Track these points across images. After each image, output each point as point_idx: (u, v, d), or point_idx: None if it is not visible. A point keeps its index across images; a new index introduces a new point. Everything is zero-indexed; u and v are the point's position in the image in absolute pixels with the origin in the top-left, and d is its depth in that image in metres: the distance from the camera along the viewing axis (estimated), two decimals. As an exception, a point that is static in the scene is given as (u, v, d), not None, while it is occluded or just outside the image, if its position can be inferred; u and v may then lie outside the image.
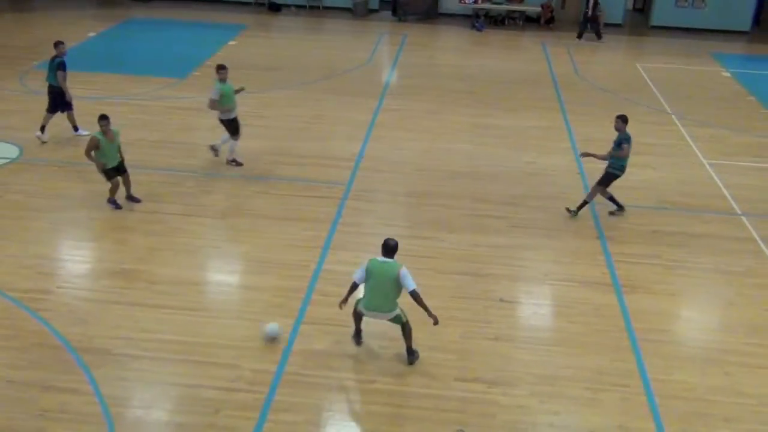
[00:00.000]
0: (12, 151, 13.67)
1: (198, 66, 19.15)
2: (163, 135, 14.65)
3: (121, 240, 10.88)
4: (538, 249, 11.00)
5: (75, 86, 16.55)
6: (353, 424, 7.69)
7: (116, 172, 11.57)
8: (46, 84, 14.15)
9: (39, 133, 14.15)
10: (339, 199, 12.25)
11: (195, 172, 13.06)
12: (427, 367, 8.41)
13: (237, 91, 13.07)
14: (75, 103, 14.44)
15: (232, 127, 13.09)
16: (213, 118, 15.56)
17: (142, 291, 9.64)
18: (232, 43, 21.69)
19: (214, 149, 13.47)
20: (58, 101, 14.13)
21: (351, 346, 8.72)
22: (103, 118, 11.17)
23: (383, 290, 8.09)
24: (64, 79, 13.90)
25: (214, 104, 12.79)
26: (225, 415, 7.64)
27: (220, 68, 12.81)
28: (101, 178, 11.63)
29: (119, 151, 11.60)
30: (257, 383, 8.10)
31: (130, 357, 8.45)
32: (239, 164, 13.33)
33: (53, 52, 13.98)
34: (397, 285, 8.07)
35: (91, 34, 21.80)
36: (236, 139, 13.19)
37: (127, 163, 11.81)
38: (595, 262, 10.67)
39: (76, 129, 14.41)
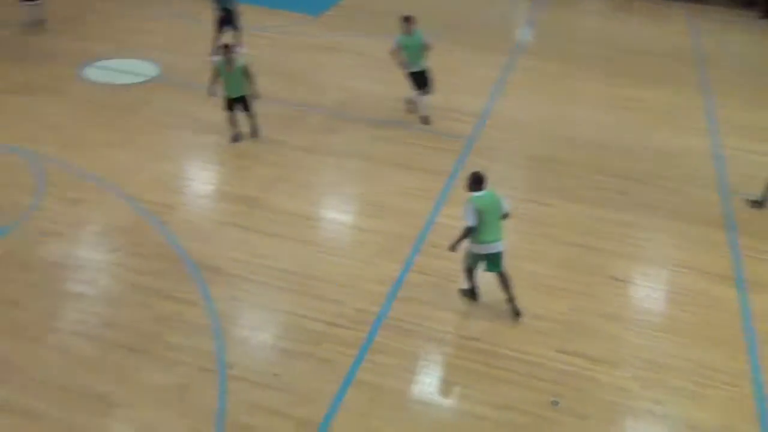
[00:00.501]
0: (152, 70, 14.28)
1: (332, 5, 19.24)
2: (295, 70, 14.90)
3: (245, 167, 11.23)
4: (660, 231, 10.59)
5: (204, 11, 17.02)
6: (445, 376, 7.75)
7: (236, 103, 11.59)
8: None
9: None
10: (460, 153, 12.16)
11: (322, 110, 13.26)
12: (529, 334, 8.33)
13: (424, 47, 12.49)
14: (210, 31, 14.87)
15: (415, 81, 12.71)
16: (344, 57, 15.75)
17: (259, 218, 9.96)
18: (370, -15, 21.63)
19: (410, 103, 13.24)
20: (222, 20, 14.70)
21: (455, 301, 8.74)
22: (224, 47, 11.27)
23: (496, 220, 8.13)
24: None
25: (393, 54, 12.43)
26: (325, 348, 7.87)
27: (405, 20, 12.33)
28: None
29: (247, 84, 11.48)
30: (359, 322, 8.28)
31: (243, 279, 8.80)
32: (426, 121, 13.01)
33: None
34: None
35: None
36: (421, 94, 12.83)
37: (256, 97, 11.84)
38: (719, 252, 10.17)
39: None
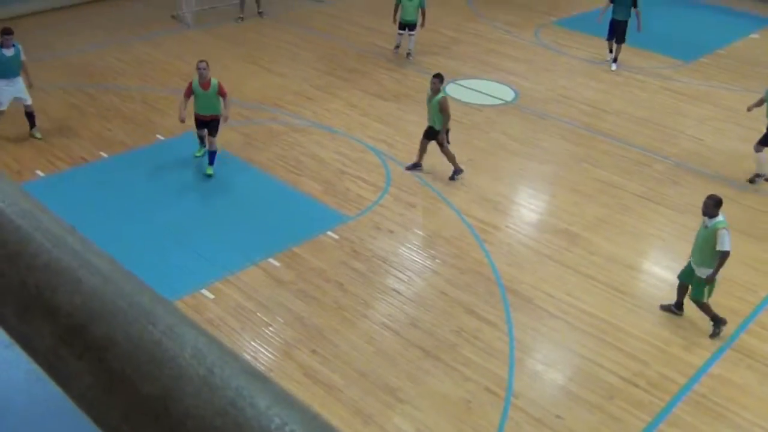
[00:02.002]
0: (508, 94, 14.79)
1: (708, 53, 18.07)
2: (649, 113, 14.33)
3: (575, 202, 11.11)
4: None
5: (574, 45, 17.13)
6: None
7: None
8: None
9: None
10: (821, 233, 10.69)
11: (668, 159, 12.59)
12: None
13: None
14: (573, 64, 14.88)
15: None
16: (706, 108, 14.75)
17: (578, 257, 9.79)
18: (753, 36, 19.92)
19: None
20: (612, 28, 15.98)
21: (777, 395, 7.74)
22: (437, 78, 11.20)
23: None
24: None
25: None
26: (617, 405, 7.49)
27: None
28: (585, 141, 11.87)
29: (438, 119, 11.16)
30: (659, 388, 7.73)
31: (548, 313, 8.74)
32: None
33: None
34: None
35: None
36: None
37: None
38: None
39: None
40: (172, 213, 10.34)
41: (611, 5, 15.81)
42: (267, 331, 8.27)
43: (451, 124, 13.18)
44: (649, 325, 8.63)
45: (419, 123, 13.31)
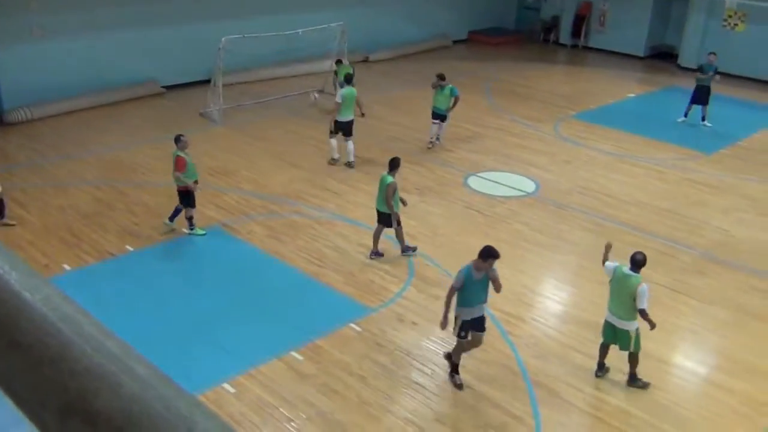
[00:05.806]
0: (529, 186, 14.90)
1: (729, 144, 18.19)
2: (671, 204, 14.33)
3: (600, 294, 10.92)
4: None
5: (593, 138, 17.37)
6: None
7: None
8: None
9: None
10: None
11: (693, 249, 12.48)
12: None
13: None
14: (593, 156, 15.00)
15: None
16: (729, 199, 14.71)
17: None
18: (774, 127, 20.04)
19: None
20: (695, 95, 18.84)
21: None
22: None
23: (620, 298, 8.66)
24: None
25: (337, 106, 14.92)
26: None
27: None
28: (608, 233, 11.86)
29: None
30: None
31: (577, 409, 8.51)
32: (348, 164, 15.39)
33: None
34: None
35: (630, 95, 22.40)
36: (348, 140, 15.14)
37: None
38: None
39: None
40: (193, 305, 10.35)
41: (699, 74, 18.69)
42: (289, 427, 8.11)
43: (474, 216, 13.32)
44: (683, 421, 8.34)
45: (442, 215, 13.43)
